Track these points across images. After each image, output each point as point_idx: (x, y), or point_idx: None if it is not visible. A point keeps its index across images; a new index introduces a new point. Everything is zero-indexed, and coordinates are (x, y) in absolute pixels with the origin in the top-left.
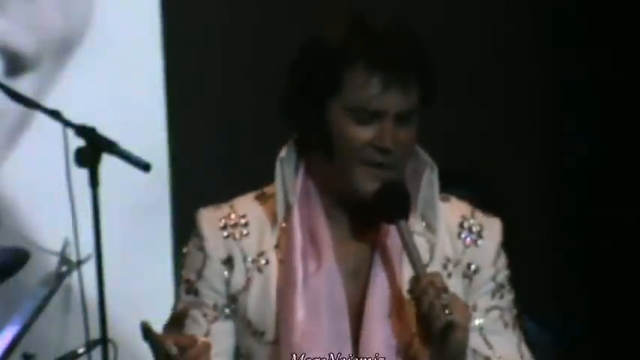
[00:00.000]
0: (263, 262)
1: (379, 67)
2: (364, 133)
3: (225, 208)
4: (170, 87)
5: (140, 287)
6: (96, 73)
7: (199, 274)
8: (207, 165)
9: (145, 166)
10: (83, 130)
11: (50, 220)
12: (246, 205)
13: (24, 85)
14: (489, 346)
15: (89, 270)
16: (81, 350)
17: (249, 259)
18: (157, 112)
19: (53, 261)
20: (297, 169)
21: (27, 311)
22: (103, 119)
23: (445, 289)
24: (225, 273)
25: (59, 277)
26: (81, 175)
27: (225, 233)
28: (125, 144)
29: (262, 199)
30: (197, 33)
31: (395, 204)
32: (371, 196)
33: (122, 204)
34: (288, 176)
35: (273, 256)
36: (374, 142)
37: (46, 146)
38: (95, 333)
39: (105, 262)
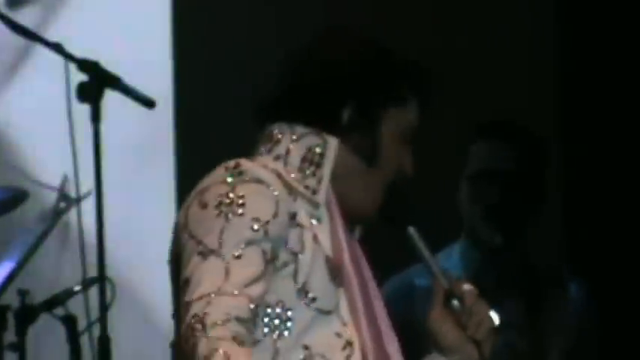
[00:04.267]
0: (313, 233)
1: (428, 95)
2: (403, 156)
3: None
4: (177, 24)
5: (141, 226)
6: (100, 7)
7: (274, 215)
8: (211, 102)
9: (149, 103)
10: (86, 64)
11: (50, 156)
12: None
13: (25, 17)
14: None
15: (89, 207)
16: (77, 288)
17: (305, 224)
18: (163, 49)
19: (51, 197)
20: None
21: (22, 247)
22: (106, 55)
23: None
24: (288, 227)
25: (57, 214)
26: (83, 110)
27: (287, 189)
28: (129, 81)
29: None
30: None
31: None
32: (377, 217)
33: (124, 141)
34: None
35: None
36: (402, 167)
37: (47, 80)
38: (92, 271)
39: (105, 199)
